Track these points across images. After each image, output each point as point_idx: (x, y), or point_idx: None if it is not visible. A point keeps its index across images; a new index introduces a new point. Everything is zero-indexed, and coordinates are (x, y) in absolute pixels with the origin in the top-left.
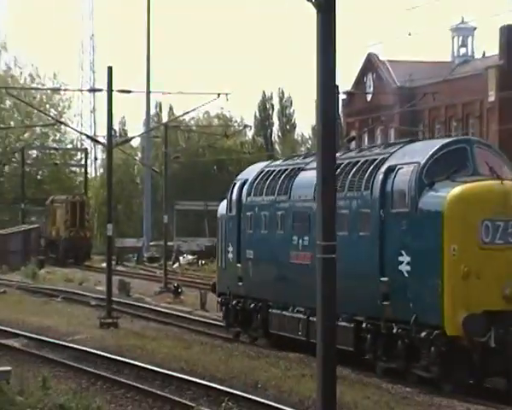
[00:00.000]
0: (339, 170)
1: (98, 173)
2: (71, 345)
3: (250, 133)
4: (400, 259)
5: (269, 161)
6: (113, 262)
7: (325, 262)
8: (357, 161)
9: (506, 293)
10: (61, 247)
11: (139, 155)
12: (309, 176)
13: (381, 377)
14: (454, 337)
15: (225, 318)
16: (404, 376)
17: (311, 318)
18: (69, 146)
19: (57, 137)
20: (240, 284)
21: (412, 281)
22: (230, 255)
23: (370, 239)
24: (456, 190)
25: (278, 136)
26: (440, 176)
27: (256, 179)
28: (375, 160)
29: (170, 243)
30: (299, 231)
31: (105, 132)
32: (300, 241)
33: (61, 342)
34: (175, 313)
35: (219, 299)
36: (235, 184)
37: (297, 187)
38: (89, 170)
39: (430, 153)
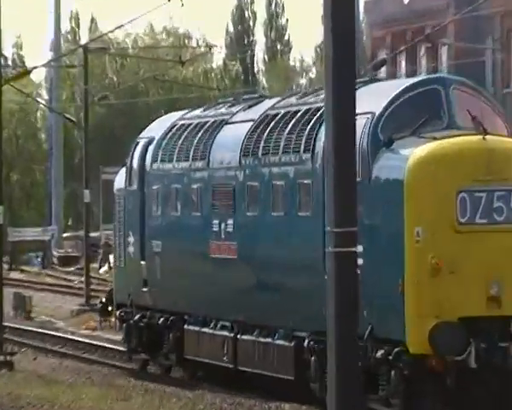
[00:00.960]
0: (272, 124)
1: None
2: None
3: (219, 58)
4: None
5: (185, 111)
6: (5, 266)
7: (341, 258)
8: (297, 111)
9: (492, 293)
10: None
11: (44, 95)
12: (235, 132)
13: None
14: (419, 357)
15: (126, 340)
16: None
17: (239, 336)
18: None
19: None
20: (144, 289)
21: (365, 279)
22: (131, 249)
23: (312, 221)
24: (422, 149)
25: (264, 60)
26: (403, 131)
27: (165, 138)
28: (319, 108)
29: (94, 234)
30: (221, 212)
31: None
32: (223, 226)
33: None
34: (102, 343)
35: (117, 313)
36: (137, 144)
37: (217, 149)
38: None
39: (389, 99)
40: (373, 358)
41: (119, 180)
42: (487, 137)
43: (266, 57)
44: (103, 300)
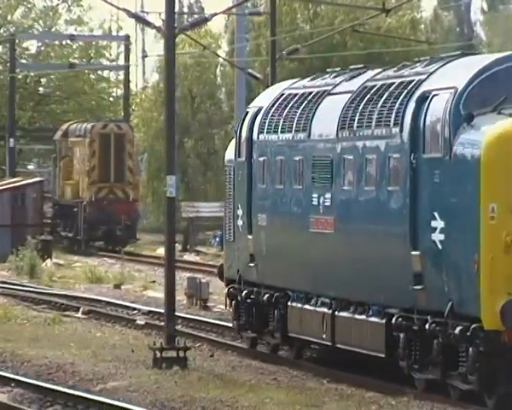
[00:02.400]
0: (368, 96)
1: (150, 82)
2: (100, 399)
3: (429, 6)
4: (433, 224)
5: (295, 80)
6: (179, 246)
7: None
8: (391, 84)
9: None
10: (82, 218)
11: (224, 47)
12: (334, 104)
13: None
14: (494, 333)
15: (235, 317)
16: (445, 389)
17: (337, 312)
18: (95, 33)
19: (73, 16)
20: (251, 264)
21: (447, 255)
22: (240, 222)
23: (399, 196)
24: (499, 125)
25: (482, 10)
26: (485, 107)
27: (272, 108)
28: (410, 82)
29: None
30: (320, 185)
31: (161, 9)
32: (321, 200)
33: (82, 394)
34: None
35: (227, 289)
36: (246, 113)
37: (318, 120)
38: (132, 77)
39: (472, 74)
40: (453, 334)
41: (230, 151)
42: None
43: (485, 6)
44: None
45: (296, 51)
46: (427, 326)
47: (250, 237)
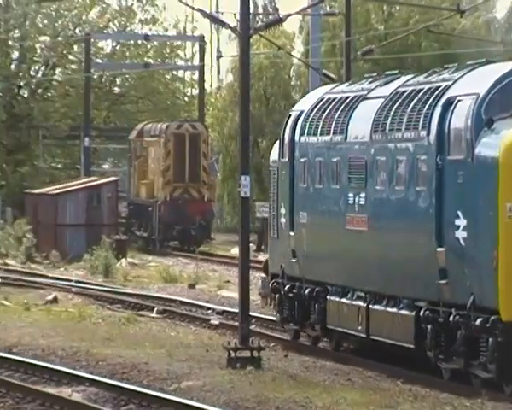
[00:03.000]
0: (399, 101)
1: (224, 83)
2: (175, 399)
3: (504, 7)
4: (457, 222)
5: (334, 85)
6: (253, 247)
7: None
8: (420, 90)
9: None
10: (157, 218)
11: (299, 48)
12: (369, 108)
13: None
14: (510, 324)
15: (278, 310)
16: (468, 378)
17: (371, 306)
18: (170, 33)
19: (147, 16)
20: (293, 260)
21: (469, 251)
22: (283, 220)
23: (426, 196)
24: None
25: None
26: (504, 112)
27: (312, 112)
28: (437, 88)
29: None
30: (355, 185)
31: (235, 9)
32: (357, 199)
33: (156, 394)
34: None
35: (271, 283)
36: (289, 117)
37: (354, 124)
38: (207, 77)
39: (493, 81)
40: (474, 326)
41: (274, 152)
42: None
43: None
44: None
45: (370, 52)
46: (450, 318)
47: (292, 233)
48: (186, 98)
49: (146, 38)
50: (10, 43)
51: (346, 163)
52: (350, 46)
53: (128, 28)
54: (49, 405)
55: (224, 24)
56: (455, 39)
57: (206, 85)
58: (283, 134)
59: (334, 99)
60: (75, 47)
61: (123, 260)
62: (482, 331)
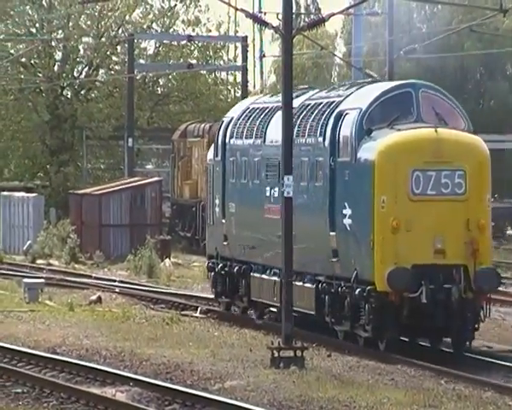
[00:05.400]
0: (304, 112)
1: (267, 83)
2: (218, 399)
3: None
4: (344, 212)
5: (258, 96)
6: None
7: None
8: (320, 103)
9: (438, 247)
10: (200, 218)
11: (342, 48)
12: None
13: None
14: (384, 293)
15: (213, 285)
16: (354, 338)
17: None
18: (212, 33)
19: (190, 17)
20: (225, 243)
21: (353, 235)
22: (217, 209)
23: (322, 190)
24: (388, 138)
25: None
26: (382, 123)
27: (239, 119)
28: (332, 102)
29: None
30: (271, 180)
31: (278, 9)
32: (272, 192)
33: (200, 394)
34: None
35: (207, 263)
36: (222, 122)
37: (271, 130)
38: (250, 77)
39: (372, 98)
40: (356, 295)
41: (210, 152)
42: (438, 129)
43: None
44: None
45: (413, 51)
46: (340, 289)
47: (223, 221)
48: (229, 99)
49: (189, 38)
50: (53, 44)
51: (264, 163)
52: (392, 45)
53: (171, 29)
54: (93, 405)
55: (266, 24)
56: (498, 39)
57: (250, 86)
58: (217, 137)
59: (257, 108)
60: (118, 48)
61: (166, 260)
62: (361, 299)
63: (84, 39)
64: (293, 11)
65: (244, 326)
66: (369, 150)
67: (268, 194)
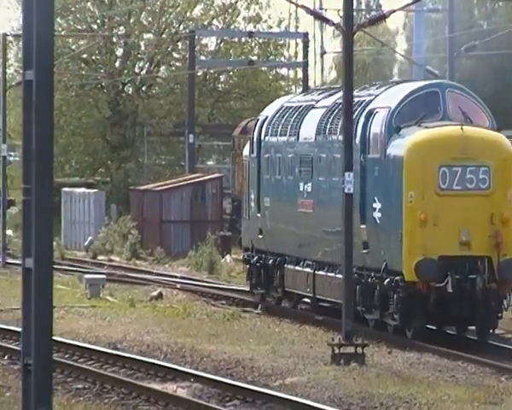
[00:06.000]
0: (336, 111)
1: (328, 80)
2: (279, 395)
3: None
4: (374, 206)
5: (291, 95)
6: None
7: None
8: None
9: (463, 239)
10: None
11: (403, 44)
12: (315, 115)
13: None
14: (412, 283)
15: (249, 277)
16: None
17: (316, 271)
18: (273, 30)
19: (251, 14)
20: (260, 236)
21: (382, 228)
22: (252, 204)
23: (354, 185)
24: (416, 135)
25: None
26: (410, 121)
27: (274, 117)
28: (363, 101)
29: None
30: (304, 176)
31: (339, 6)
32: (305, 187)
33: (261, 390)
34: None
35: (243, 256)
36: (257, 120)
37: (304, 128)
38: (310, 74)
39: (401, 97)
40: (385, 285)
41: (246, 148)
42: (464, 127)
43: None
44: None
45: (474, 48)
46: (370, 280)
47: (259, 215)
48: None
49: (250, 35)
50: (115, 40)
51: (297, 159)
52: (453, 43)
53: (232, 26)
54: (154, 401)
55: (327, 21)
56: None
57: (310, 83)
58: (253, 134)
59: (290, 107)
60: (179, 44)
61: (227, 256)
62: (390, 289)
63: (145, 36)
64: (354, 7)
65: (304, 323)
66: (398, 147)
67: (301, 189)
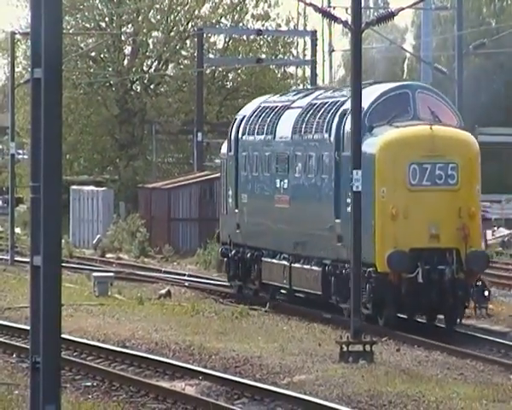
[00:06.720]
0: (311, 111)
1: (335, 78)
2: (287, 393)
3: None
4: (348, 201)
5: (267, 96)
6: None
7: None
8: (326, 102)
9: (432, 232)
10: None
11: (411, 42)
12: (291, 115)
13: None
14: (383, 274)
15: (227, 270)
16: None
17: (292, 264)
18: (281, 28)
19: (260, 12)
20: (237, 231)
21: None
22: (230, 200)
23: (328, 181)
24: (387, 134)
25: None
26: (382, 121)
27: (251, 116)
28: (337, 102)
29: None
30: (280, 173)
31: (347, 3)
32: (282, 184)
33: (269, 388)
34: (484, 334)
35: (219, 249)
36: (235, 120)
37: (280, 127)
38: (319, 72)
39: (373, 98)
40: None
41: (223, 147)
42: (433, 126)
43: None
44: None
45: (482, 46)
46: (344, 271)
47: (236, 210)
48: None
49: (258, 33)
50: (123, 38)
51: (274, 157)
52: (461, 40)
53: (240, 23)
54: (163, 398)
55: (336, 19)
56: None
57: (319, 80)
58: (230, 133)
59: (267, 107)
60: (187, 42)
61: None
62: (363, 280)
63: (154, 33)
64: (362, 5)
65: (313, 321)
66: (371, 146)
67: (278, 185)
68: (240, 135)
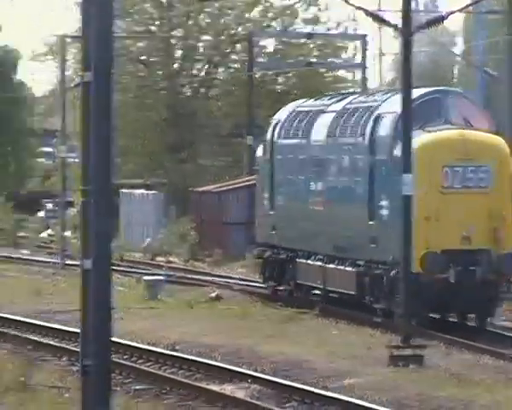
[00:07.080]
0: (345, 115)
1: (386, 81)
2: (337, 397)
3: None
4: (381, 203)
5: (302, 100)
6: None
7: None
8: (360, 107)
9: (464, 234)
10: None
11: (460, 46)
12: (326, 119)
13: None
14: (417, 274)
15: (262, 272)
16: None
17: (326, 265)
18: (331, 31)
19: (310, 16)
20: (273, 232)
21: (389, 224)
22: (265, 202)
23: (362, 184)
24: (421, 139)
25: None
26: (414, 126)
27: (286, 120)
28: (371, 106)
29: None
30: (315, 176)
31: (398, 7)
32: (316, 186)
33: (319, 392)
34: None
35: (255, 250)
36: (270, 124)
37: (315, 131)
38: (369, 74)
39: None
40: (392, 276)
41: (259, 151)
42: (465, 131)
43: None
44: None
45: None
46: (378, 272)
47: (272, 212)
48: None
49: (308, 36)
50: (173, 41)
51: (309, 160)
52: None
53: (291, 27)
54: (212, 402)
55: (386, 22)
56: None
57: (369, 84)
58: (266, 137)
59: (302, 111)
60: (237, 46)
61: None
62: (397, 280)
63: (204, 37)
64: (412, 9)
65: (362, 324)
66: None
67: (313, 188)
68: (275, 138)
